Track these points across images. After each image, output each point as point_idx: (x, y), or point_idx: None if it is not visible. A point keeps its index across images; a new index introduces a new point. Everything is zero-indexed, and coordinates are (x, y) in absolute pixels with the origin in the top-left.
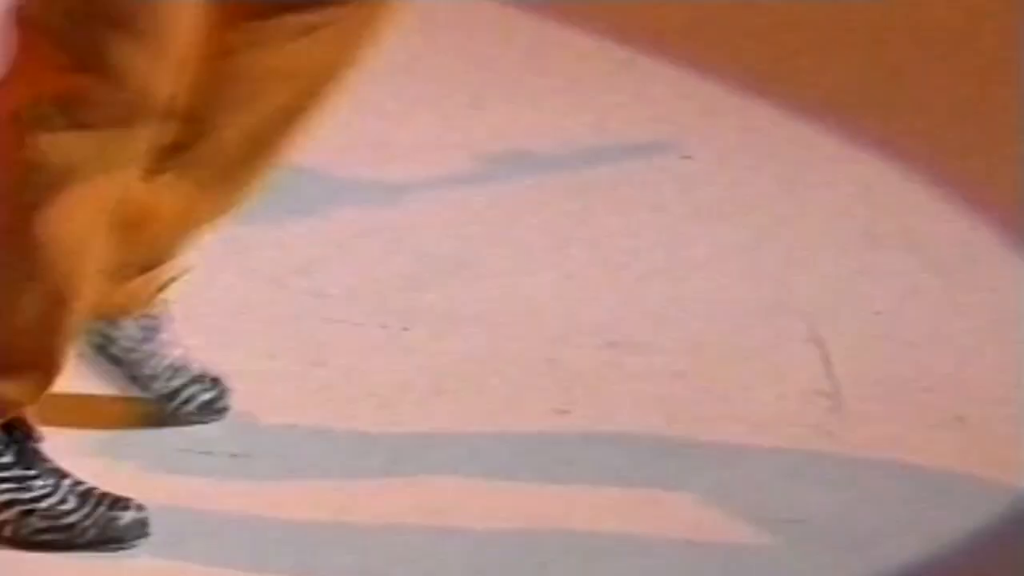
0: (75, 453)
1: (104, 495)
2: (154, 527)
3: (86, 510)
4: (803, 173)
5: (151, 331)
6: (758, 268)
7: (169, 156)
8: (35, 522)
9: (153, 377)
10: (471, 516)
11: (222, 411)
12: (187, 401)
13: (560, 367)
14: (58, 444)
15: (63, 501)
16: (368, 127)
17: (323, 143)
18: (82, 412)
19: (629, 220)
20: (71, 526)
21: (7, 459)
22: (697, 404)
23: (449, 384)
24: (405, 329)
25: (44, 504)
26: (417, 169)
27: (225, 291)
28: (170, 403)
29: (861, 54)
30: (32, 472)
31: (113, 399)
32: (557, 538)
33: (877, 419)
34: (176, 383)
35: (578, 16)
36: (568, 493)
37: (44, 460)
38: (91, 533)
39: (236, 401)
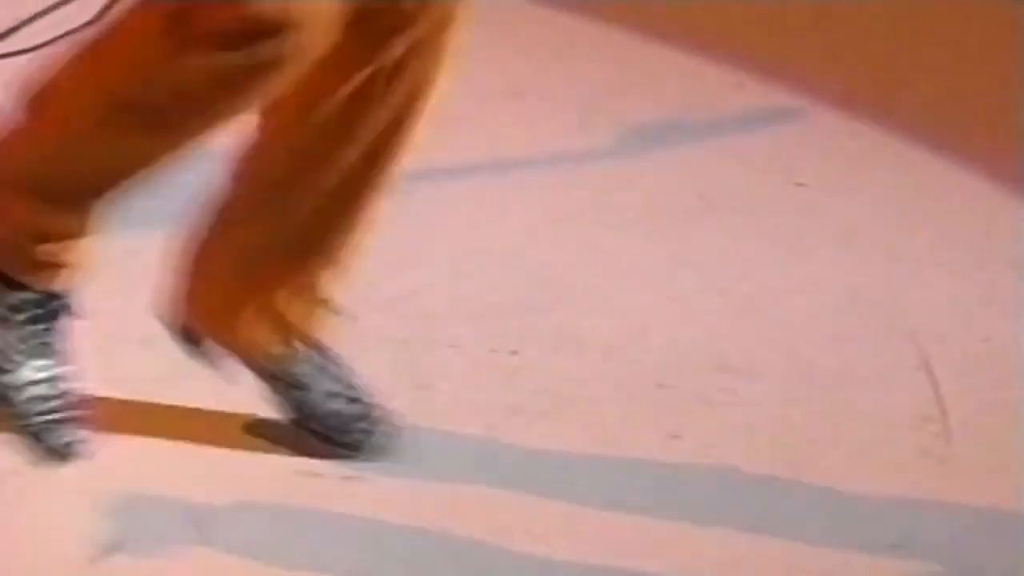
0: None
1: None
2: (259, 545)
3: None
4: (913, 198)
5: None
6: (869, 293)
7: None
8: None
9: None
10: (578, 538)
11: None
12: (350, 431)
13: (670, 392)
14: (167, 454)
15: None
16: (480, 146)
17: (431, 163)
18: (196, 426)
19: (740, 245)
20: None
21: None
22: (805, 428)
23: (558, 407)
24: (513, 353)
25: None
26: (526, 190)
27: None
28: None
29: (972, 76)
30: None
31: (229, 416)
32: (667, 561)
33: (985, 445)
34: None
35: (685, 40)
36: (677, 517)
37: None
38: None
39: None
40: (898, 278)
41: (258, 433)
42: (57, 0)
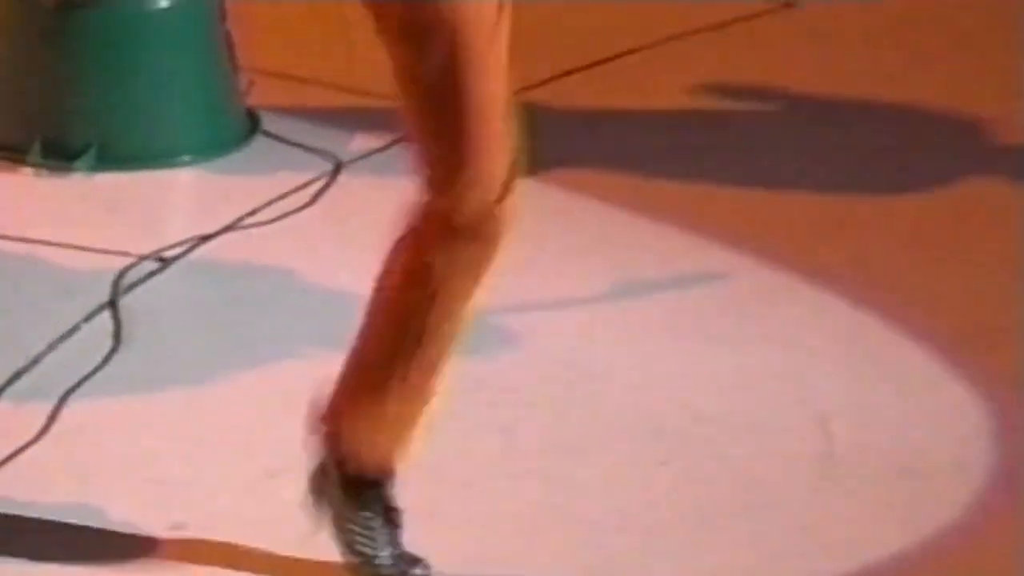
0: None
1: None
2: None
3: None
4: (818, 321)
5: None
6: (782, 371)
7: None
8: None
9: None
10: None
11: None
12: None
13: (663, 435)
14: None
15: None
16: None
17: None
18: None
19: (695, 347)
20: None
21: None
22: (738, 455)
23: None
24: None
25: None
26: (539, 321)
27: None
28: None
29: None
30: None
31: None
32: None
33: (858, 465)
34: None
35: (649, 210)
36: (653, 520)
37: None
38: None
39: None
40: (802, 369)
41: None
42: (301, 183)
